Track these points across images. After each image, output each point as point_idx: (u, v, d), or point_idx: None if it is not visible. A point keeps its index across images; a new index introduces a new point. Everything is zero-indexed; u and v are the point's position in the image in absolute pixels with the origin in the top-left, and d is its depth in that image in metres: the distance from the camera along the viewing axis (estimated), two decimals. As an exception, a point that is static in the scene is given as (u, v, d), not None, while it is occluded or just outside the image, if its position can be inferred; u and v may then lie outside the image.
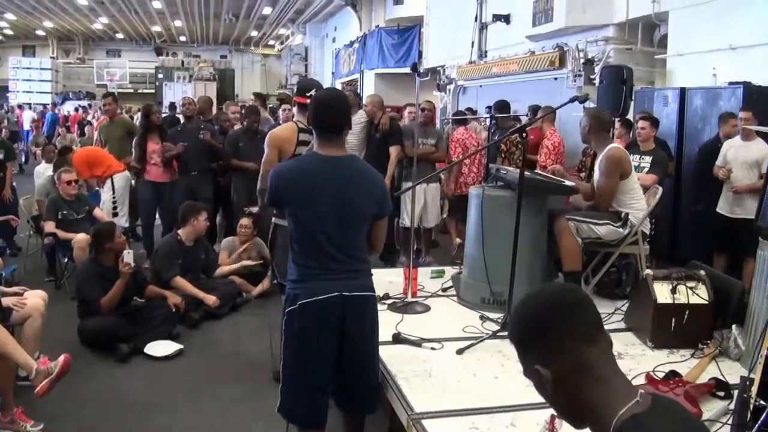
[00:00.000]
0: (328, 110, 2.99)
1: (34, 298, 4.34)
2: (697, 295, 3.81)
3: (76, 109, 23.89)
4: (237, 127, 8.17)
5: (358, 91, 19.64)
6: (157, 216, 7.66)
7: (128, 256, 5.12)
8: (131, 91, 31.26)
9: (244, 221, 6.74)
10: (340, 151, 2.98)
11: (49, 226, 6.52)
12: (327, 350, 2.92)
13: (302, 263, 2.93)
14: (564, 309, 1.43)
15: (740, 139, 6.06)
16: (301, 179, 2.91)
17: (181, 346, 5.11)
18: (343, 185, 2.90)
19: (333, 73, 24.68)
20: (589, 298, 1.48)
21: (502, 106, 8.28)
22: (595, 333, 1.41)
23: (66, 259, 6.57)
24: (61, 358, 3.73)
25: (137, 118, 10.48)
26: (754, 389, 2.76)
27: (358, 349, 2.98)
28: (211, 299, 5.79)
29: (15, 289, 4.45)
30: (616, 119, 7.01)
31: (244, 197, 7.12)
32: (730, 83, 6.60)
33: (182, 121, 7.91)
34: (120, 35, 32.92)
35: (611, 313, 4.30)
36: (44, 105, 26.62)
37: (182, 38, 33.54)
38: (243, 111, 8.59)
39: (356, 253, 2.97)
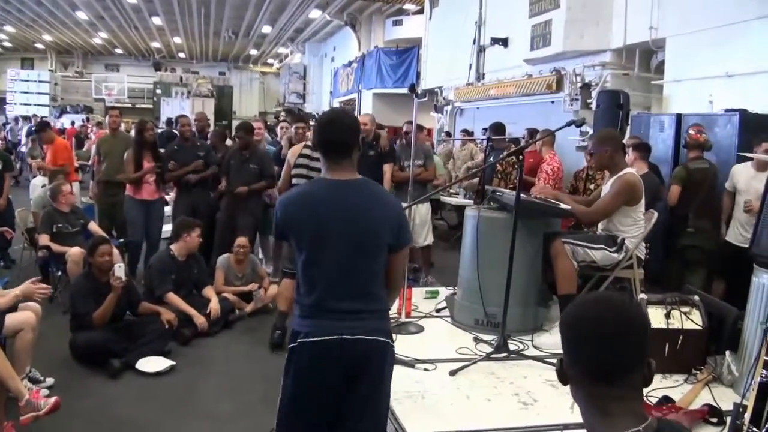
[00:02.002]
0: (331, 128, 2.68)
1: (27, 312, 4.33)
2: (691, 320, 3.81)
3: (72, 123, 23.84)
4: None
5: (355, 110, 19.76)
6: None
7: (119, 270, 5.08)
8: (129, 105, 31.28)
9: (241, 240, 6.68)
10: (349, 175, 2.65)
11: (43, 239, 6.50)
12: (324, 395, 2.57)
13: (308, 302, 2.60)
14: (594, 340, 1.37)
15: (753, 169, 5.98)
16: (307, 207, 2.60)
17: (173, 363, 5.08)
18: (354, 212, 2.59)
19: (331, 92, 24.84)
20: (638, 337, 1.38)
21: (498, 127, 8.32)
22: (614, 375, 1.35)
23: (59, 273, 6.55)
24: (52, 400, 3.85)
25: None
26: (747, 416, 2.75)
27: (361, 398, 2.60)
28: (200, 319, 5.75)
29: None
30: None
31: (228, 215, 7.25)
32: (727, 110, 6.64)
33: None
34: (119, 50, 33.10)
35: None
36: (29, 118, 26.43)
37: (181, 54, 33.73)
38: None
39: (370, 289, 2.63)
